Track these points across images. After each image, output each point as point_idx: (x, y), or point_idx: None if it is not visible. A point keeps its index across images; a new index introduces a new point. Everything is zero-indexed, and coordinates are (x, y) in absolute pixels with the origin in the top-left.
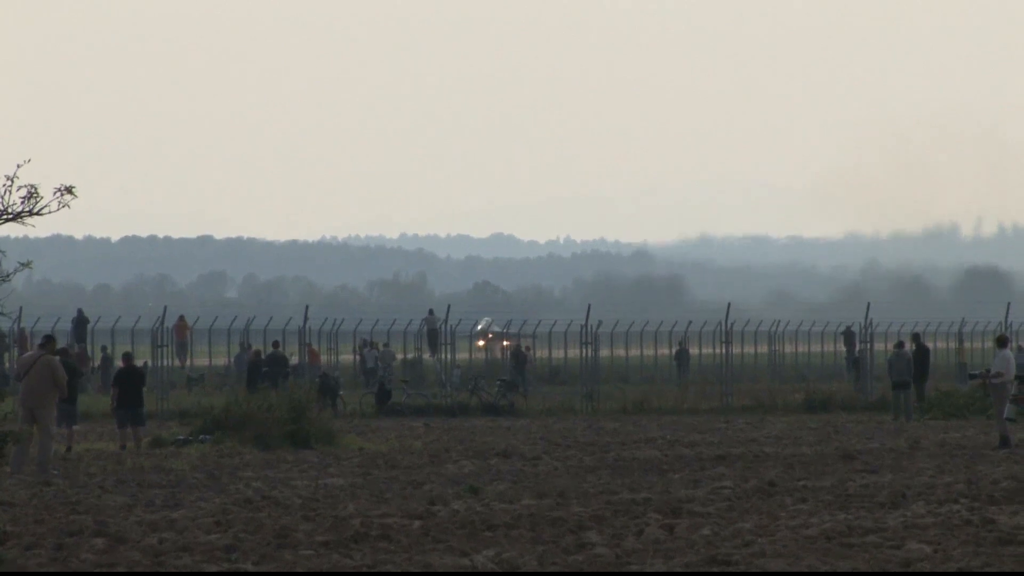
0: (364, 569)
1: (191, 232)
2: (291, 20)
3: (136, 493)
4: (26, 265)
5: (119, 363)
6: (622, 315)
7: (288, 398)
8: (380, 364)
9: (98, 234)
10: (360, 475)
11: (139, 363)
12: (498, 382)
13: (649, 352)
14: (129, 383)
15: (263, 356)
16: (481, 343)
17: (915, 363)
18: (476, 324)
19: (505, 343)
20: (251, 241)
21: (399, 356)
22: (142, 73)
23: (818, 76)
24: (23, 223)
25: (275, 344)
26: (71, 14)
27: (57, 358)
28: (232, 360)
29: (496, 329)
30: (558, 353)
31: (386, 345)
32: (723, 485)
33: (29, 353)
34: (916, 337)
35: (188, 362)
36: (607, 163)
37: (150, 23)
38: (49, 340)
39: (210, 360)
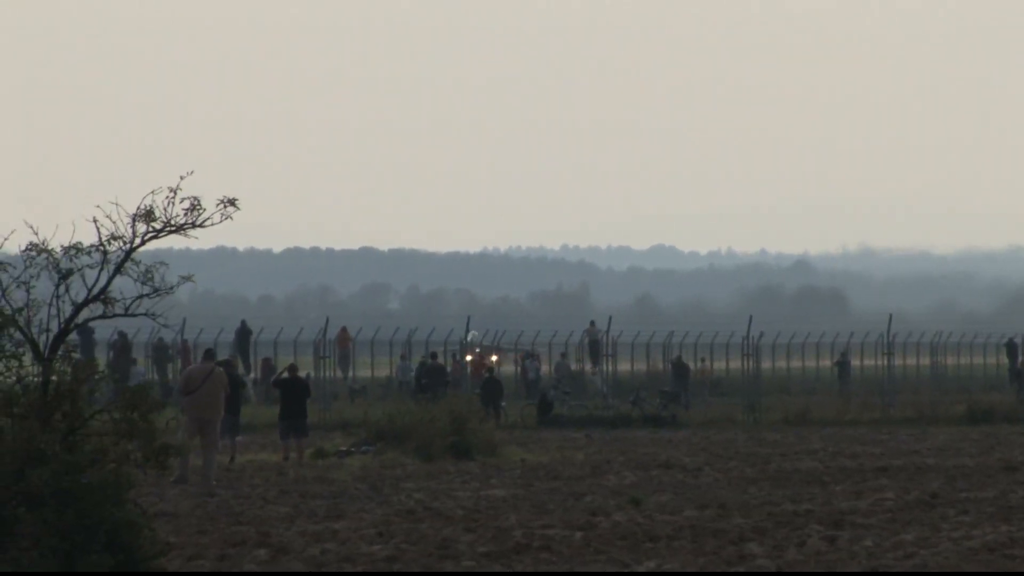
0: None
1: (353, 243)
2: (444, 27)
3: (298, 504)
4: (188, 278)
5: (284, 374)
6: (783, 326)
7: (449, 409)
8: (556, 375)
9: (260, 245)
10: (521, 486)
11: (302, 374)
12: (659, 393)
13: (811, 363)
14: (293, 394)
15: (426, 367)
16: (469, 357)
17: None
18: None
19: (494, 356)
20: (413, 252)
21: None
22: (303, 84)
23: (979, 83)
24: (186, 235)
25: (433, 355)
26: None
27: (220, 370)
28: (394, 371)
29: (485, 343)
30: (719, 364)
31: (563, 355)
32: (885, 497)
33: (197, 366)
34: None
35: (350, 373)
36: (767, 173)
37: (312, 33)
38: (209, 354)
39: (372, 371)
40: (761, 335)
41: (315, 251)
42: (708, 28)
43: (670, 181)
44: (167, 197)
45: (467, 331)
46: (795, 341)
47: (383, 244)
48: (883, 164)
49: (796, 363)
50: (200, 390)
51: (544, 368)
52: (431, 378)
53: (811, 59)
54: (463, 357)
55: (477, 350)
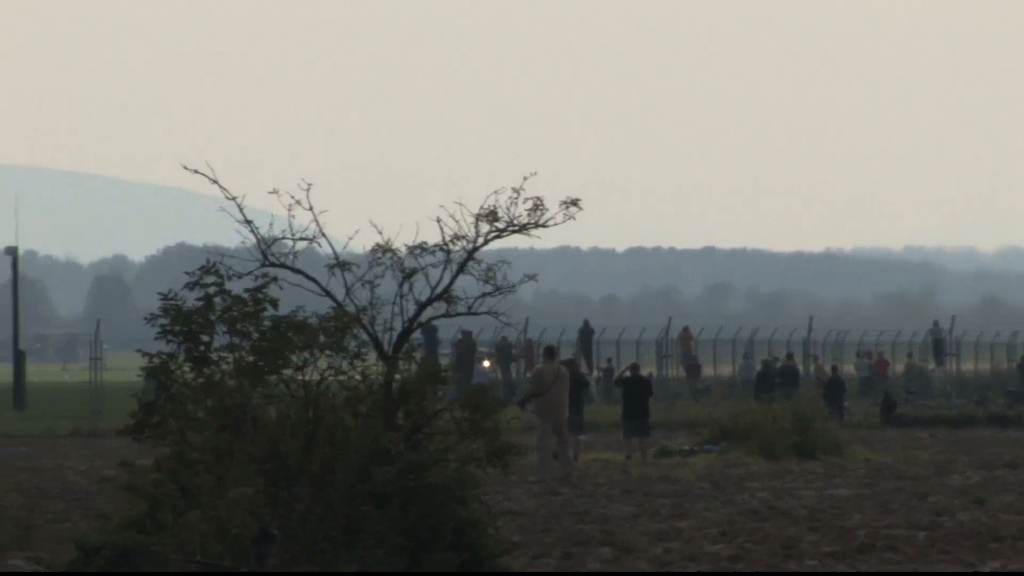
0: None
1: (696, 243)
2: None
3: (642, 503)
4: (531, 277)
5: (627, 374)
6: None
7: (793, 408)
8: (906, 374)
9: (604, 245)
10: (866, 486)
11: (644, 373)
12: (1004, 393)
13: None
14: (635, 393)
15: (773, 367)
16: (487, 363)
17: None
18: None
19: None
20: (755, 252)
21: (899, 366)
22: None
23: None
24: (529, 235)
25: (789, 356)
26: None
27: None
28: (737, 370)
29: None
30: None
31: (909, 355)
32: None
33: (547, 365)
34: None
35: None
36: None
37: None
38: (550, 351)
39: (715, 370)
40: None
41: (657, 250)
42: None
43: (1019, 180)
44: (510, 197)
45: (809, 331)
46: None
47: (725, 243)
48: None
49: None
50: (552, 390)
51: (890, 369)
52: (784, 377)
53: None
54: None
55: (492, 356)
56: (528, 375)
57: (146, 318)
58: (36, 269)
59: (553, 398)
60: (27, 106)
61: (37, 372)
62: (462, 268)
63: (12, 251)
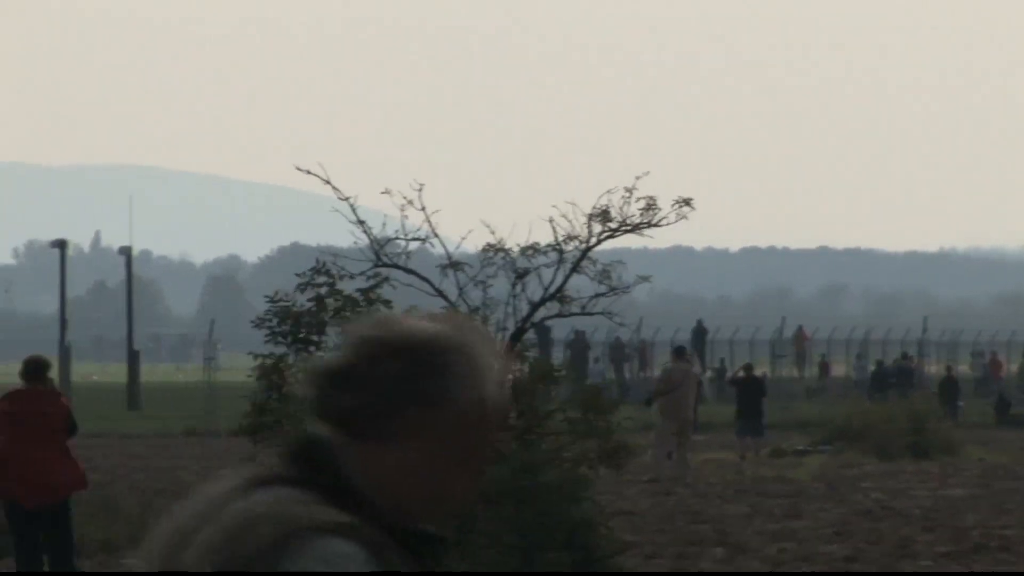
0: None
1: (810, 243)
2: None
3: (756, 503)
4: (645, 279)
5: (740, 374)
6: None
7: (908, 408)
8: (1022, 375)
9: (718, 245)
10: (980, 486)
11: (758, 373)
12: None
13: None
14: (749, 393)
15: (887, 367)
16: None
17: None
18: None
19: None
20: (870, 252)
21: (1013, 367)
22: (757, 86)
23: None
24: (641, 234)
25: (904, 356)
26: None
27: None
28: (852, 370)
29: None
30: None
31: None
32: None
33: (676, 365)
34: None
35: (807, 372)
36: None
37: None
38: (680, 352)
39: (829, 371)
40: None
41: (771, 250)
42: None
43: None
44: (623, 197)
45: (924, 331)
46: None
47: (839, 243)
48: None
49: None
50: (679, 390)
51: (1004, 369)
52: (899, 377)
53: None
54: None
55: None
56: (641, 375)
57: (253, 321)
58: (150, 269)
59: (679, 398)
60: (141, 107)
61: (151, 372)
62: (575, 268)
63: (126, 251)
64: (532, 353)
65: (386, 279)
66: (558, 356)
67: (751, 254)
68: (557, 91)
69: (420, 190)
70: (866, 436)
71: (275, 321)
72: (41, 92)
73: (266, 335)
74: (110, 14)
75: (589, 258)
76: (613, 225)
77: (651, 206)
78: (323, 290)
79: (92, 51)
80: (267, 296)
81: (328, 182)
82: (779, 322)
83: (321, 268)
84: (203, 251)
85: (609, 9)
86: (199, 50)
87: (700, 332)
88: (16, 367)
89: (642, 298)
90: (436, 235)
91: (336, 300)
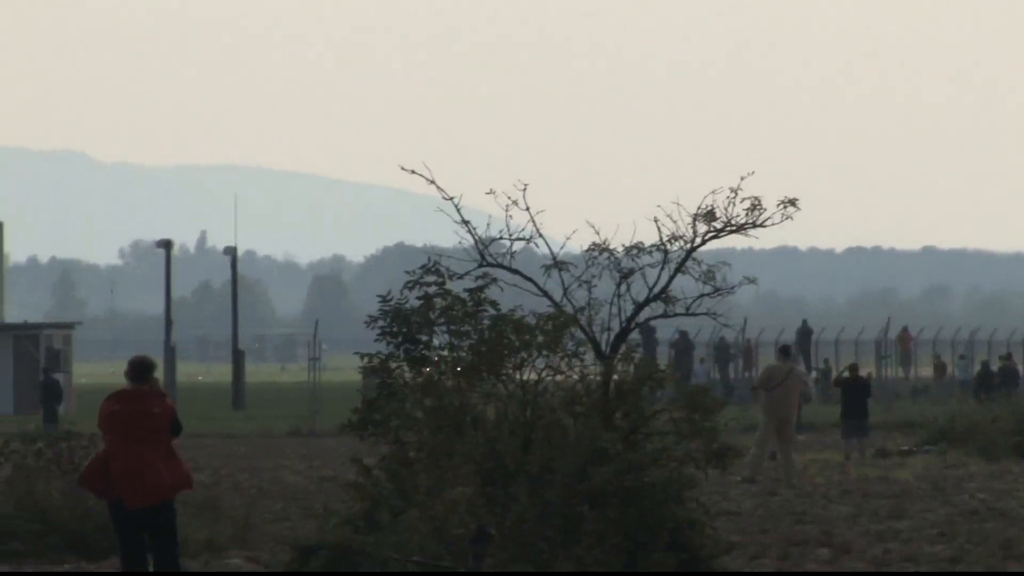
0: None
1: (915, 243)
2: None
3: (860, 503)
4: (751, 280)
5: (845, 374)
6: None
7: (1013, 409)
8: None
9: (822, 245)
10: None
11: (863, 373)
12: None
13: None
14: (854, 394)
15: (992, 368)
16: None
17: None
18: None
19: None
20: (976, 252)
21: None
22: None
23: None
24: (746, 235)
25: (1007, 356)
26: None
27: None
28: (956, 371)
29: None
30: None
31: None
32: None
33: (779, 363)
34: None
35: (912, 373)
36: None
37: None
38: (786, 351)
39: (945, 371)
40: None
41: (876, 251)
42: None
43: None
44: (728, 197)
45: None
46: None
47: (945, 243)
48: None
49: None
50: (779, 388)
51: None
52: (1004, 378)
53: None
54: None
55: None
56: (745, 375)
57: (366, 321)
58: (255, 270)
59: (781, 397)
60: (247, 108)
61: (256, 372)
62: (680, 268)
63: (231, 251)
64: (637, 353)
65: (494, 279)
66: (663, 356)
67: (856, 254)
68: (663, 90)
69: (524, 190)
70: (971, 437)
71: (387, 320)
72: (148, 94)
73: (377, 334)
74: (219, 16)
75: (694, 258)
76: (718, 225)
77: (756, 206)
78: (432, 289)
79: (198, 53)
80: (379, 296)
81: (432, 182)
82: (884, 322)
83: (431, 267)
84: (308, 251)
85: (718, 7)
86: (306, 51)
87: (805, 332)
88: (122, 367)
89: (747, 298)
90: (541, 235)
91: (444, 300)
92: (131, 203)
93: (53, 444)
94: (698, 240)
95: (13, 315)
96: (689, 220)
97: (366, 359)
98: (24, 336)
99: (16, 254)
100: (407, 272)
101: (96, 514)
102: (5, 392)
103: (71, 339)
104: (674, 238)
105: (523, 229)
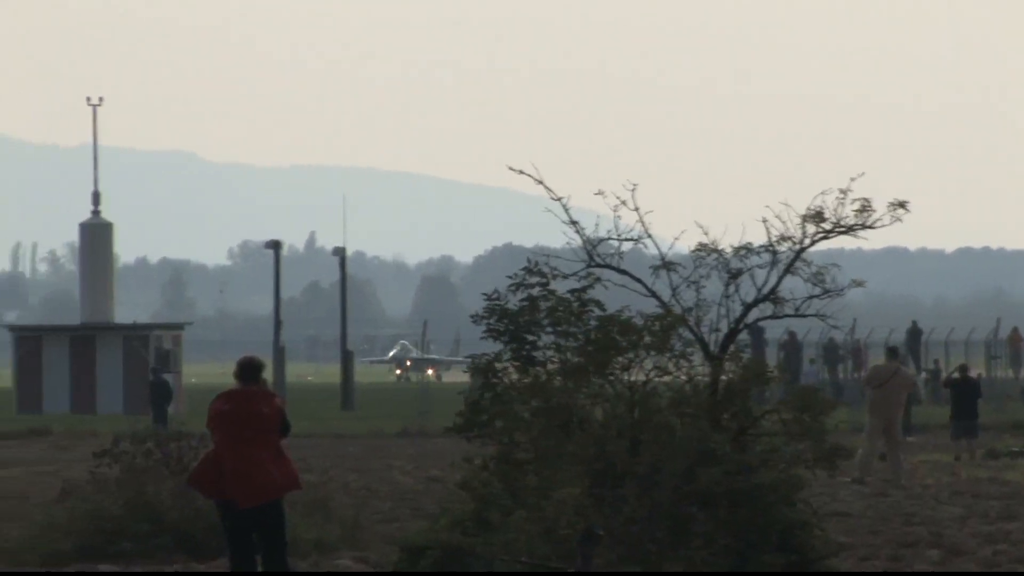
0: None
1: None
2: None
3: (971, 504)
4: (860, 283)
5: (955, 375)
6: None
7: None
8: None
9: (932, 246)
10: None
11: (973, 374)
12: None
13: None
14: (963, 395)
15: None
16: (399, 371)
17: None
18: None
19: (430, 371)
20: None
21: None
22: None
23: None
24: (855, 236)
25: None
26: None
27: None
28: None
29: (414, 355)
30: None
31: None
32: None
33: (883, 364)
34: None
35: (1022, 374)
36: None
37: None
38: (893, 351)
39: None
40: None
41: (986, 251)
42: None
43: None
44: (837, 198)
45: None
46: None
47: None
48: None
49: None
50: (885, 388)
51: None
52: None
53: None
54: None
55: (408, 363)
56: (855, 376)
57: (472, 317)
58: (364, 270)
59: (887, 397)
60: (355, 108)
61: (365, 372)
62: (788, 269)
63: (340, 252)
64: (746, 354)
65: (598, 279)
66: (772, 357)
67: (966, 255)
68: (771, 91)
69: (633, 190)
70: None
71: (493, 319)
72: (258, 94)
73: (483, 333)
74: (322, 18)
75: (803, 259)
76: (827, 226)
77: (865, 208)
78: (535, 290)
79: (309, 54)
80: (485, 294)
81: (541, 182)
82: (994, 323)
83: (533, 268)
84: (417, 252)
85: (829, 6)
86: (412, 52)
87: (915, 333)
88: (231, 367)
89: (856, 299)
90: (649, 235)
91: (548, 300)
92: (240, 203)
93: (163, 444)
94: (807, 241)
95: (123, 316)
96: (798, 221)
97: (471, 359)
98: (134, 336)
99: (126, 255)
100: (508, 277)
101: (205, 514)
102: (115, 392)
103: (180, 339)
104: (783, 239)
105: (632, 229)
